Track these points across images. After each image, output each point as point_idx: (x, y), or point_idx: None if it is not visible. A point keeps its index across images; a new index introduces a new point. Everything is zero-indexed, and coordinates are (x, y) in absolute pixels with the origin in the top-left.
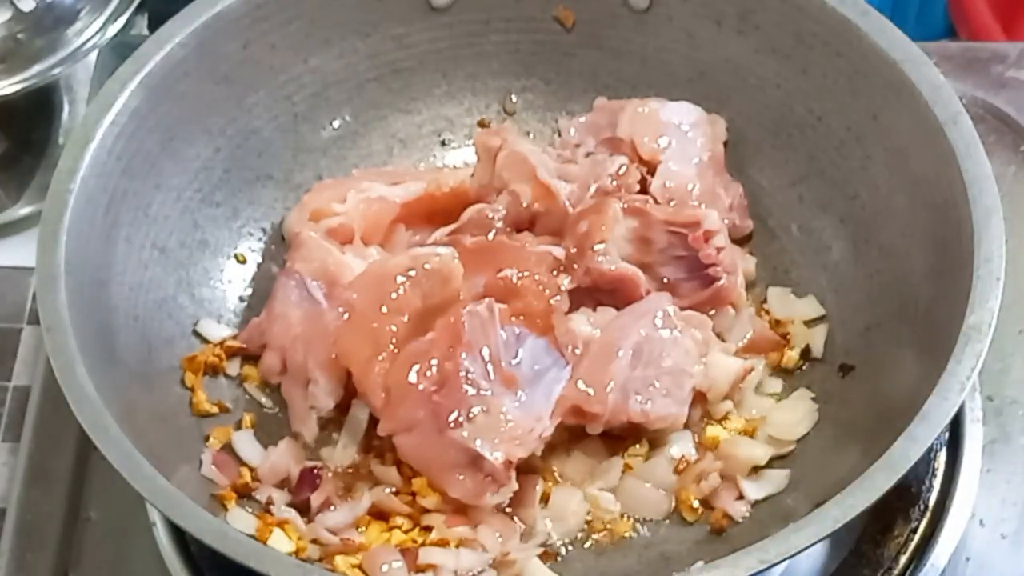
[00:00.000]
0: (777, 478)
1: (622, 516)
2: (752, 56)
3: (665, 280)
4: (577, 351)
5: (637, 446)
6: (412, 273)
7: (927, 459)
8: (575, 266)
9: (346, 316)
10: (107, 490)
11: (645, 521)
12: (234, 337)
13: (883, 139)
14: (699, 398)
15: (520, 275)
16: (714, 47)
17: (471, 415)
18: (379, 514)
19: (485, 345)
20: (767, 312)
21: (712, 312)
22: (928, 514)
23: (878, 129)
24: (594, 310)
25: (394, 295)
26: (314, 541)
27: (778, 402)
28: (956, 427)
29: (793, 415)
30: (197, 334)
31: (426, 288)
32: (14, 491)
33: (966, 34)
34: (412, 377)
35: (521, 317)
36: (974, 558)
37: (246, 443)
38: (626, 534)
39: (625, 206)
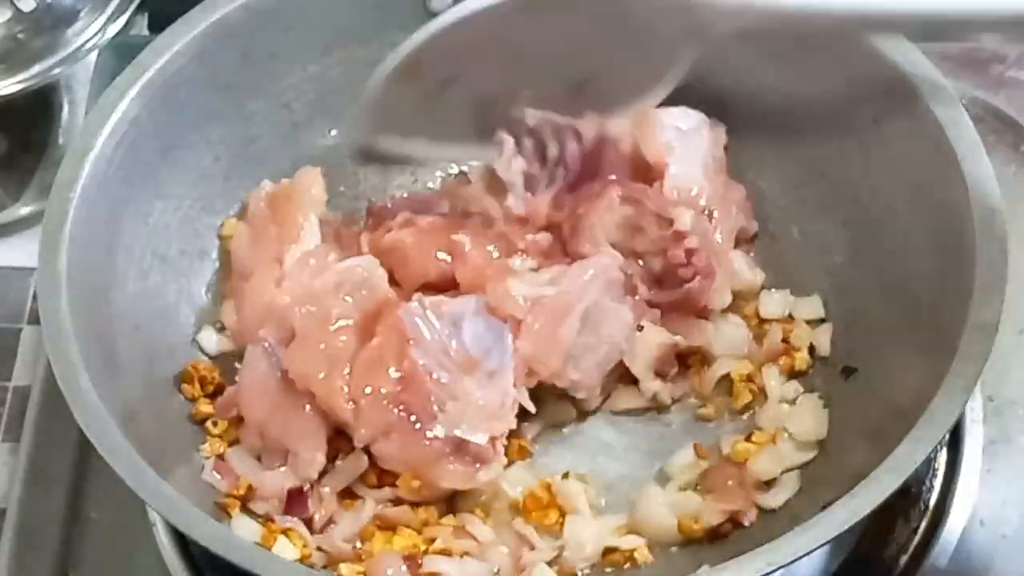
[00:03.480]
0: (789, 482)
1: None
2: (752, 60)
3: (652, 270)
4: (520, 316)
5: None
6: (341, 286)
7: (927, 459)
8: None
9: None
10: (107, 490)
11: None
12: (232, 353)
13: (883, 141)
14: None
15: (470, 241)
16: (714, 52)
17: (443, 406)
18: (383, 524)
19: (430, 337)
20: (761, 320)
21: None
22: (928, 514)
23: (878, 131)
24: None
25: (334, 311)
26: (319, 548)
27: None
28: (956, 427)
29: (811, 419)
30: (197, 343)
31: (358, 298)
32: (14, 491)
33: None
34: (374, 383)
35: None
36: (974, 558)
37: (239, 459)
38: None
39: (621, 194)
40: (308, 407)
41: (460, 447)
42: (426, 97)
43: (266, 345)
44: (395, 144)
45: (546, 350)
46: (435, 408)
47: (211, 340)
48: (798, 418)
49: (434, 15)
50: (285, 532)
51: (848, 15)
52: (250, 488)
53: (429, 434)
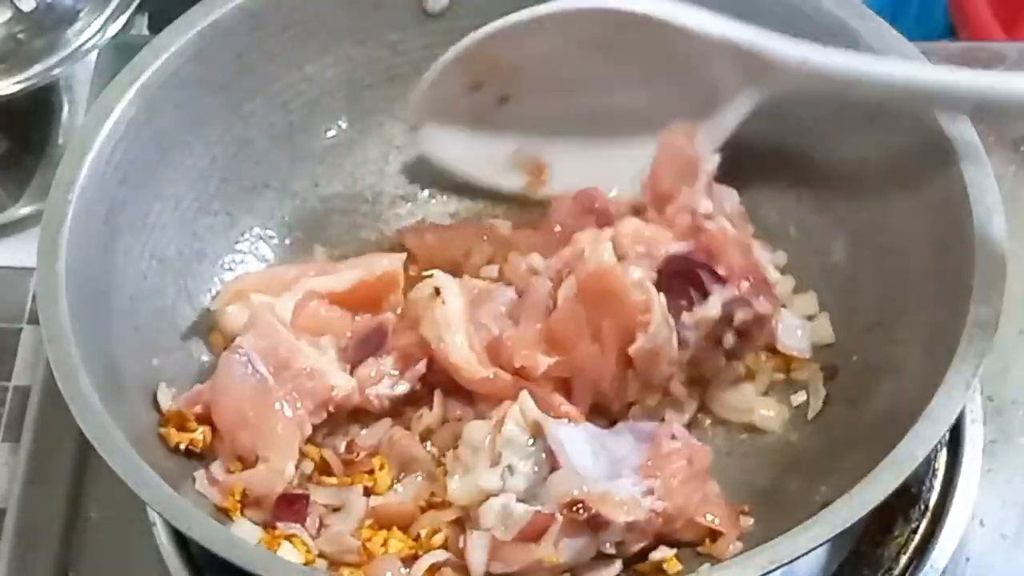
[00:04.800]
0: None
1: None
2: None
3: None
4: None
5: None
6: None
7: (927, 459)
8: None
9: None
10: (107, 490)
11: None
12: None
13: (881, 140)
14: None
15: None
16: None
17: None
18: (378, 523)
19: None
20: None
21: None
22: (928, 514)
23: (876, 130)
24: None
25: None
26: (321, 554)
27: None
28: (956, 427)
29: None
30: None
31: None
32: (14, 491)
33: (966, 34)
34: None
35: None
36: (974, 558)
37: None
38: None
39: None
40: (284, 414)
41: None
42: (480, 108)
43: (240, 353)
44: (437, 146)
45: None
46: None
47: (165, 395)
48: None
49: (429, 15)
50: (288, 538)
51: (912, 89)
52: (244, 494)
53: None
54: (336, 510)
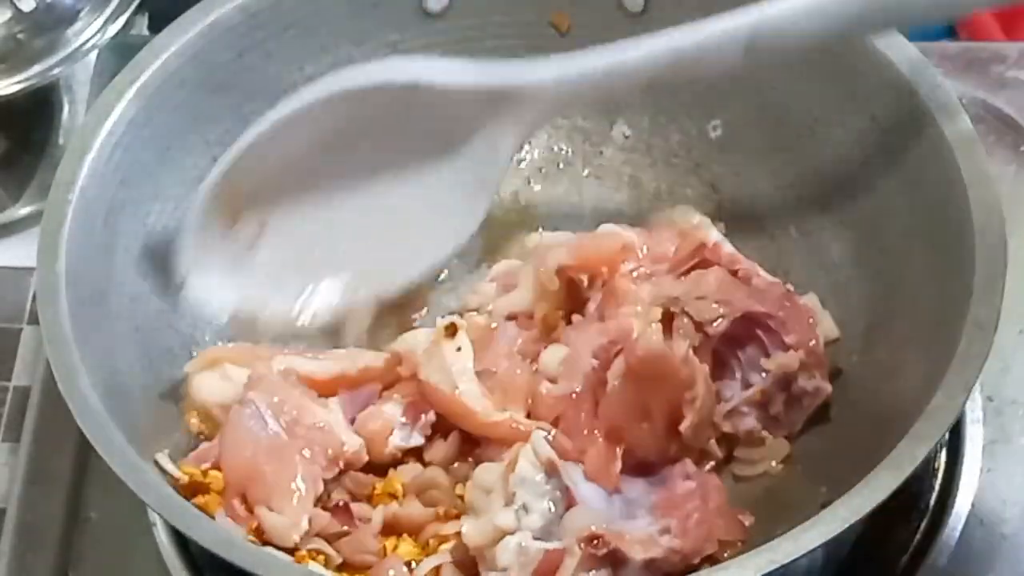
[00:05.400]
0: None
1: None
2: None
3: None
4: None
5: None
6: None
7: (927, 459)
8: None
9: None
10: (107, 490)
11: None
12: None
13: (881, 140)
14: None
15: None
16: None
17: None
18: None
19: None
20: None
21: None
22: (928, 514)
23: (876, 130)
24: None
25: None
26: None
27: None
28: (956, 427)
29: None
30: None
31: None
32: (14, 491)
33: (966, 34)
34: None
35: None
36: (974, 558)
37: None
38: None
39: None
40: (299, 469)
41: None
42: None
43: (252, 408)
44: (208, 294)
45: None
46: None
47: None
48: None
49: (429, 14)
50: (313, 556)
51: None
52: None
53: None
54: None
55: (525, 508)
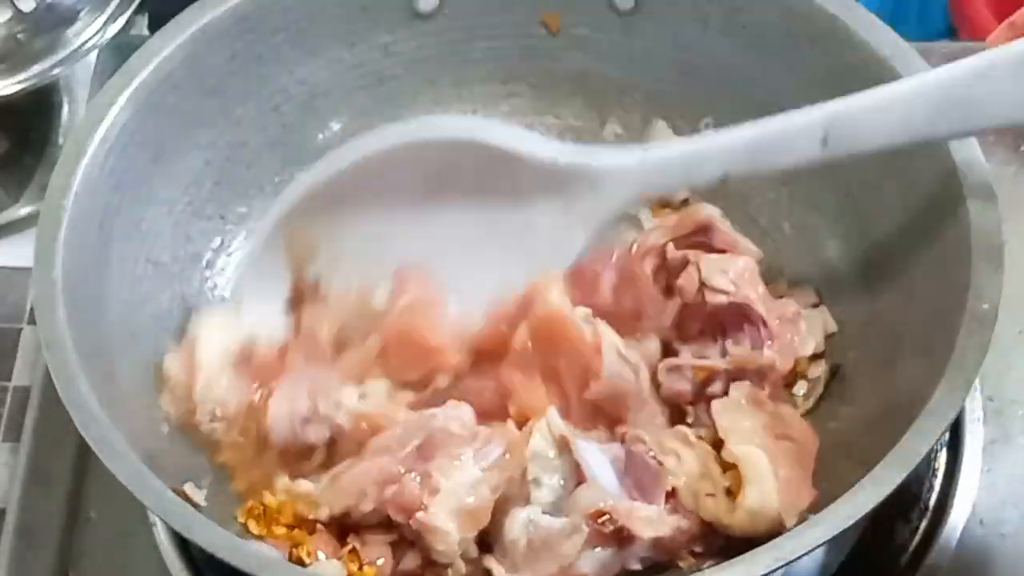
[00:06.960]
0: None
1: None
2: (739, 55)
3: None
4: None
5: None
6: None
7: (927, 459)
8: None
9: None
10: (107, 490)
11: None
12: None
13: None
14: None
15: None
16: (700, 47)
17: None
18: None
19: None
20: None
21: None
22: (928, 514)
23: None
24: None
25: None
26: None
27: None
28: (956, 427)
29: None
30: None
31: None
32: (14, 491)
33: (966, 34)
34: None
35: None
36: (974, 558)
37: None
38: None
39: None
40: None
41: None
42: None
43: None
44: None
45: None
46: None
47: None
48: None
49: (420, 16)
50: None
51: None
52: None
53: None
54: None
55: (536, 482)
